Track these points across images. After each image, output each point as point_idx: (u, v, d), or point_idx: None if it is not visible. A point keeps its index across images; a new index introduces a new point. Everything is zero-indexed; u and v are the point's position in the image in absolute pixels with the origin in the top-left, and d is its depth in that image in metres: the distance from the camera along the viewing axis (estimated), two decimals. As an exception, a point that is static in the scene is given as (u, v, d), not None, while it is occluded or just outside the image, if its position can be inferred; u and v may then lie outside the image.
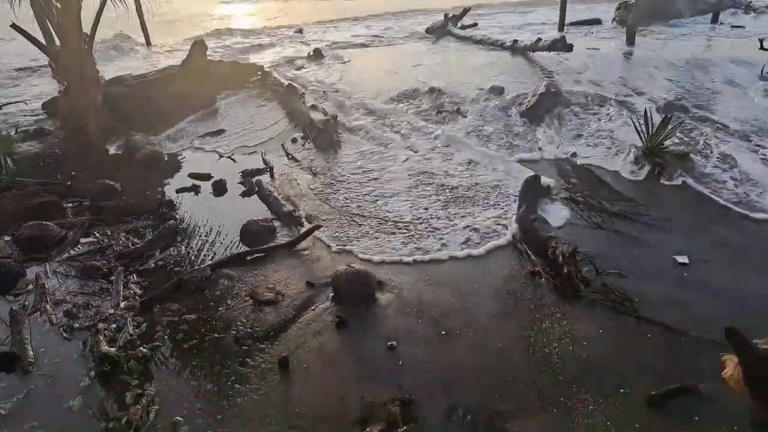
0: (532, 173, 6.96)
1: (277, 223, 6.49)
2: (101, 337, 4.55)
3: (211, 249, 6.05)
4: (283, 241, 6.07)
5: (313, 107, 9.83)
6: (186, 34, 21.32)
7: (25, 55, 16.86)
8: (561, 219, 6.39)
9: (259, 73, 13.17)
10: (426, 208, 6.72)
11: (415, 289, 5.27)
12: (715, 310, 4.84)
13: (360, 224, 6.46)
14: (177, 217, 6.69)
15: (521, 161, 7.95)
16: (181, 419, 3.89)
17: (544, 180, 6.93)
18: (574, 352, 4.42)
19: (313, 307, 5.07)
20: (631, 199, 6.78)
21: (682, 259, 5.56)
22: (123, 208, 6.87)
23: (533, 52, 14.70)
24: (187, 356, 4.51)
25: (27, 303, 5.16)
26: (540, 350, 4.46)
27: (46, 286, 5.35)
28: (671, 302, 4.96)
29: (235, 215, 6.67)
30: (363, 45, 18.50)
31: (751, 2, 19.91)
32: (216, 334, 4.74)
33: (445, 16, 19.85)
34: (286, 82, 11.64)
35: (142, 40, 19.68)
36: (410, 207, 6.77)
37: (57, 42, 9.53)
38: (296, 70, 14.58)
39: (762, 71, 11.38)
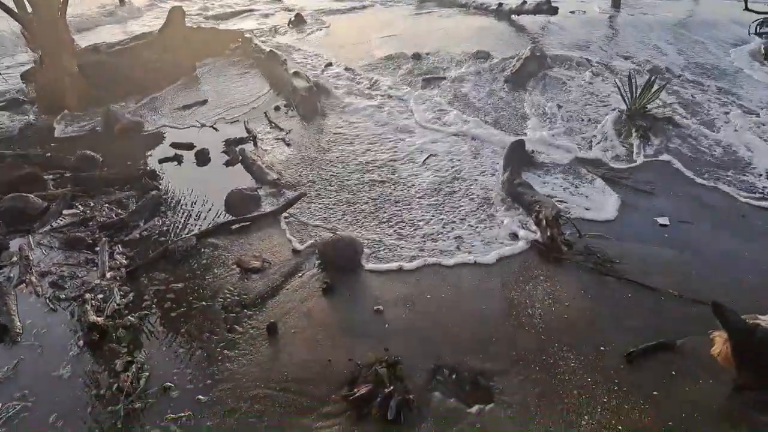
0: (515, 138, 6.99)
1: (262, 192, 6.47)
2: (88, 307, 4.55)
3: (196, 219, 6.03)
4: (269, 210, 6.06)
5: (296, 74, 9.68)
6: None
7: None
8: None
9: (240, 40, 12.90)
10: (411, 174, 6.74)
11: (400, 256, 5.33)
12: (694, 269, 4.98)
13: (343, 185, 6.49)
14: (160, 187, 6.63)
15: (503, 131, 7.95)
16: (171, 385, 3.95)
17: (529, 145, 6.96)
18: (556, 312, 4.53)
19: (300, 275, 5.11)
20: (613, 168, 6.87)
21: (663, 220, 5.67)
22: (105, 178, 6.79)
23: (518, 15, 14.55)
24: (176, 324, 4.54)
25: (12, 275, 5.14)
26: (523, 311, 4.57)
27: (31, 258, 5.31)
28: (652, 262, 5.08)
29: (220, 185, 6.62)
30: (345, 10, 18.14)
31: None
32: (204, 302, 4.77)
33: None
34: (268, 49, 11.43)
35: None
36: (393, 173, 6.78)
37: (29, 9, 9.20)
38: (277, 36, 14.31)
39: (749, 31, 11.40)
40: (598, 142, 7.29)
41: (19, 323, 4.54)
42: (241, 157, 7.32)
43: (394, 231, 5.67)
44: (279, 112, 8.85)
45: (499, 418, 3.64)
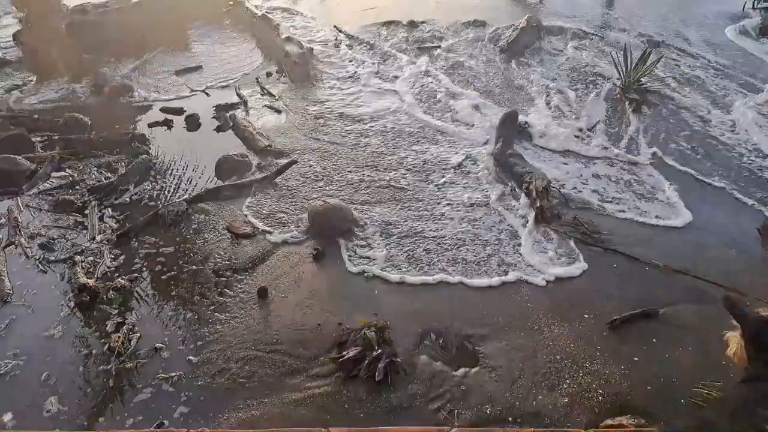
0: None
1: (252, 158, 6.44)
2: (79, 269, 4.57)
3: (186, 183, 6.01)
4: (260, 176, 6.05)
5: (288, 39, 9.52)
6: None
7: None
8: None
9: (231, 2, 12.61)
10: (397, 147, 6.73)
11: (390, 220, 5.36)
12: (678, 241, 5.08)
13: (334, 154, 6.50)
14: (150, 151, 6.57)
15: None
16: (162, 346, 4.01)
17: (522, 117, 6.95)
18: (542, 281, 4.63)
19: (290, 241, 5.14)
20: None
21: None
22: (94, 142, 6.71)
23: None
24: (166, 287, 4.58)
25: (0, 236, 5.12)
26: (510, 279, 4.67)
27: (20, 220, 5.29)
28: (637, 234, 5.17)
29: (211, 150, 6.58)
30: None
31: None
32: (194, 266, 4.80)
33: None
34: (260, 13, 11.20)
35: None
36: (382, 142, 6.77)
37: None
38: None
39: (743, 6, 11.31)
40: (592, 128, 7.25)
41: (9, 284, 4.55)
42: (231, 123, 7.26)
43: (385, 197, 5.71)
44: (271, 78, 8.73)
45: (483, 381, 3.74)
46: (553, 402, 3.58)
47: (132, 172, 6.07)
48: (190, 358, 3.92)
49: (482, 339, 4.06)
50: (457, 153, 6.51)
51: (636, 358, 3.89)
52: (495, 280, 4.63)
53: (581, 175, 6.10)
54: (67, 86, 8.48)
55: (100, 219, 5.37)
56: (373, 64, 9.12)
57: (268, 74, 8.83)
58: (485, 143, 6.67)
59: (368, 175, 6.09)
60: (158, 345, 4.00)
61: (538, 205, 5.35)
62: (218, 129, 7.24)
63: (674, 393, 3.61)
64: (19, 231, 5.15)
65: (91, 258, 4.85)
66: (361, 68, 8.95)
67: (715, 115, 7.24)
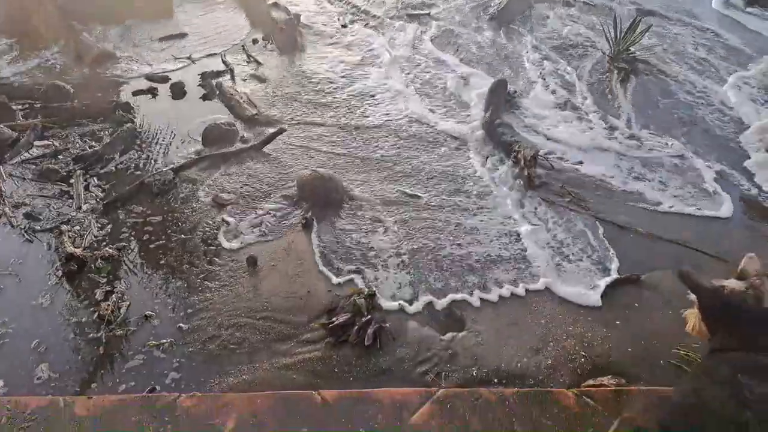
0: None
1: (239, 127, 6.38)
2: (65, 238, 4.55)
3: (172, 152, 5.95)
4: (248, 145, 6.00)
5: (275, 5, 9.34)
6: None
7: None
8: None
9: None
10: (385, 111, 6.70)
11: (379, 189, 5.38)
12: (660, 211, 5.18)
13: (320, 126, 6.46)
14: (134, 120, 6.48)
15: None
16: (152, 313, 4.03)
17: (511, 84, 6.93)
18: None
19: (279, 210, 5.14)
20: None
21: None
22: (77, 110, 6.59)
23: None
24: (155, 255, 4.58)
25: (-16, 206, 5.07)
26: (497, 243, 4.72)
27: (3, 189, 5.23)
28: (623, 202, 5.25)
29: (197, 118, 6.51)
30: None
31: None
32: (183, 235, 4.80)
33: None
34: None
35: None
36: (370, 106, 6.74)
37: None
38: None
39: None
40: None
41: (-6, 253, 4.53)
42: (218, 91, 7.16)
43: (371, 167, 5.71)
44: (257, 45, 8.58)
45: (470, 345, 3.82)
46: (537, 364, 3.68)
47: (117, 141, 5.99)
48: (181, 325, 3.96)
49: (470, 304, 4.14)
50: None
51: (618, 322, 3.99)
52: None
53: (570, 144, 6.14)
54: (49, 53, 8.28)
55: (86, 188, 5.32)
56: (363, 31, 8.99)
57: (255, 41, 8.68)
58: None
59: (355, 145, 6.08)
60: (148, 313, 4.03)
61: (526, 173, 5.39)
62: (204, 97, 7.14)
63: (655, 355, 3.73)
64: (3, 200, 5.10)
65: (78, 227, 4.82)
66: (351, 36, 8.83)
67: (701, 85, 7.26)
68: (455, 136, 6.23)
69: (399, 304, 4.11)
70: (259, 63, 8.01)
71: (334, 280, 4.34)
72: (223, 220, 4.96)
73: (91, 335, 3.86)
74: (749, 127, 6.36)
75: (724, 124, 6.48)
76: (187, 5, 10.11)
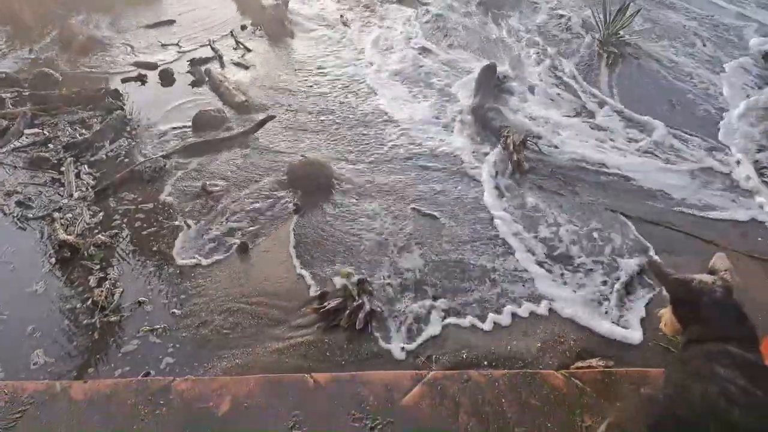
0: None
1: (229, 113, 6.38)
2: (58, 225, 4.57)
3: (162, 139, 5.95)
4: (238, 131, 6.01)
5: (264, -10, 9.27)
6: None
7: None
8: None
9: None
10: (373, 95, 6.72)
11: (368, 177, 5.41)
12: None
13: (310, 113, 6.46)
14: (124, 107, 6.45)
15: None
16: (145, 299, 4.07)
17: (500, 69, 6.95)
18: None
19: (269, 196, 5.17)
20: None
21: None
22: (66, 97, 6.55)
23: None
24: (147, 242, 4.61)
25: (-25, 194, 5.07)
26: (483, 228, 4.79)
27: (-6, 177, 5.23)
28: (608, 184, 5.32)
29: (186, 105, 6.51)
30: None
31: None
32: (174, 222, 4.82)
33: None
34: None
35: None
36: (361, 92, 6.75)
37: None
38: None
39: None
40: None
41: (-13, 241, 4.54)
42: (207, 78, 7.14)
43: (359, 151, 5.75)
44: (246, 31, 8.54)
45: (461, 328, 3.91)
46: (526, 347, 3.76)
47: (107, 128, 5.98)
48: (174, 311, 4.00)
49: (456, 291, 4.21)
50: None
51: (605, 304, 4.09)
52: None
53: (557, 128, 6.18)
54: (36, 42, 8.19)
55: (77, 176, 5.32)
56: (351, 16, 8.96)
57: (243, 27, 8.62)
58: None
59: (343, 130, 6.11)
60: (141, 299, 4.07)
61: (515, 158, 5.44)
62: (193, 84, 7.12)
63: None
64: (-6, 188, 5.10)
65: (70, 215, 4.84)
66: (340, 23, 8.79)
67: (690, 69, 7.31)
68: (442, 124, 6.26)
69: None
70: (247, 49, 7.98)
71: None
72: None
73: (86, 321, 3.90)
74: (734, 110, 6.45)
75: (708, 106, 6.54)
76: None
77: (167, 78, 7.21)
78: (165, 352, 3.70)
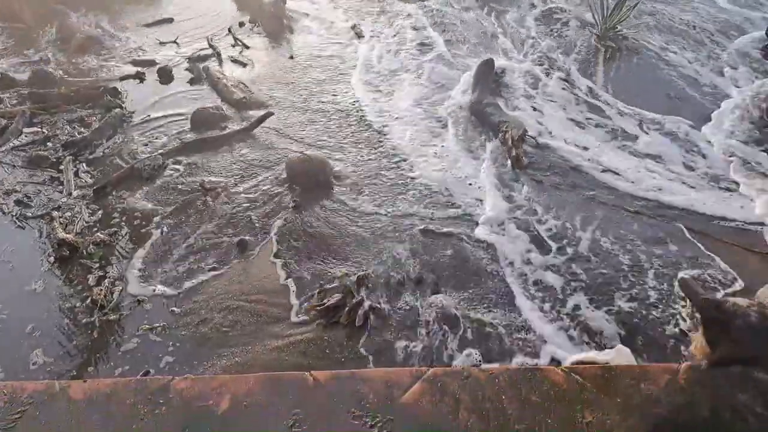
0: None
1: (227, 111, 6.36)
2: (57, 224, 4.56)
3: (161, 137, 5.94)
4: (237, 128, 5.99)
5: (262, -13, 9.23)
6: None
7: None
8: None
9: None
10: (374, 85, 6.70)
11: (367, 171, 5.40)
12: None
13: (308, 109, 6.45)
14: (123, 105, 6.43)
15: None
16: (145, 297, 4.07)
17: (498, 64, 6.91)
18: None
19: (268, 193, 5.15)
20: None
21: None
22: (65, 96, 6.54)
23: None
24: (145, 240, 4.60)
25: (-26, 193, 5.06)
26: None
27: (-7, 176, 5.22)
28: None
29: (184, 102, 6.49)
30: None
31: None
32: (173, 220, 4.81)
33: None
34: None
35: None
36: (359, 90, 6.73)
37: None
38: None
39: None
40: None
41: (-14, 240, 4.54)
42: (205, 75, 7.12)
43: (359, 146, 5.74)
44: (244, 28, 8.51)
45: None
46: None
47: (105, 126, 5.96)
48: (173, 309, 3.99)
49: (455, 285, 4.21)
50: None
51: (605, 300, 4.08)
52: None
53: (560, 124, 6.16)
54: (35, 38, 8.17)
55: (75, 174, 5.31)
56: (348, 12, 8.93)
57: (241, 24, 8.61)
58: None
59: (342, 126, 6.09)
60: (140, 297, 4.06)
61: (513, 153, 5.42)
62: (192, 81, 7.10)
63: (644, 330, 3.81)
64: (-7, 188, 5.09)
65: (69, 213, 4.83)
66: (340, 21, 8.76)
67: (688, 62, 7.27)
68: (438, 118, 6.24)
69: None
70: (246, 46, 7.95)
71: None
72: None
73: (85, 320, 3.90)
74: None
75: (705, 99, 6.52)
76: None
77: (166, 75, 7.19)
78: (164, 351, 3.69)
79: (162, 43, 8.05)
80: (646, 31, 8.05)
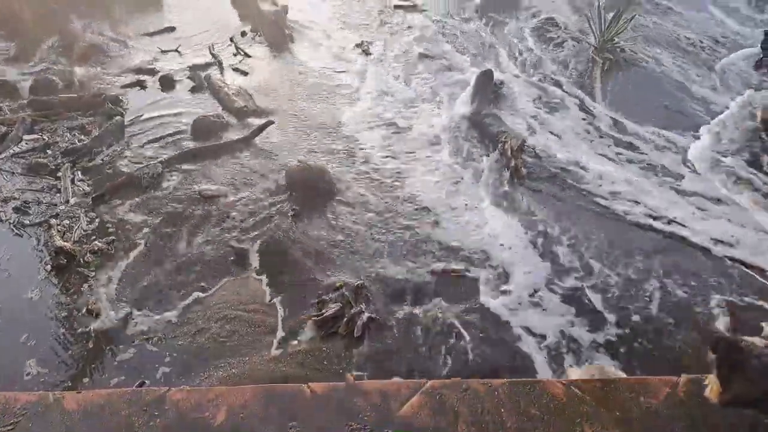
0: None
1: (228, 119, 6.36)
2: (54, 232, 4.54)
3: (161, 145, 5.93)
4: (238, 137, 5.99)
5: (263, -3, 9.28)
6: None
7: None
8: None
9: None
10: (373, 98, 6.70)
11: (365, 183, 5.39)
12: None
13: (308, 118, 6.46)
14: (124, 112, 6.43)
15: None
16: (142, 308, 4.04)
17: (497, 75, 6.93)
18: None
19: (268, 201, 5.14)
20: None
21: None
22: (66, 103, 6.54)
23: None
24: (143, 250, 4.57)
25: (-28, 201, 5.05)
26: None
27: (-9, 184, 5.20)
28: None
29: (186, 111, 6.49)
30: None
31: None
32: (171, 229, 4.79)
33: None
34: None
35: None
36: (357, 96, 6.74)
37: None
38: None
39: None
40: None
41: (-17, 248, 4.52)
42: (206, 84, 7.13)
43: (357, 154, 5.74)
44: (246, 38, 8.53)
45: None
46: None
47: (106, 134, 5.96)
48: (171, 319, 3.96)
49: (448, 299, 4.19)
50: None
51: (605, 312, 4.05)
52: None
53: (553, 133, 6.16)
54: (37, 46, 8.18)
55: (73, 182, 5.29)
56: (348, 23, 8.97)
57: (243, 33, 8.63)
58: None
59: (339, 135, 6.09)
60: (137, 309, 4.03)
61: (513, 163, 5.42)
62: (193, 89, 7.11)
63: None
64: (-8, 195, 5.08)
65: (67, 221, 4.81)
66: (339, 31, 8.79)
67: (685, 74, 7.29)
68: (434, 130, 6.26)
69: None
70: (247, 55, 7.97)
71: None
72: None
73: (80, 330, 3.86)
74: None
75: (699, 109, 6.54)
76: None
77: (167, 84, 7.20)
78: (161, 362, 3.66)
79: (164, 52, 8.07)
80: (644, 44, 8.07)
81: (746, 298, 4.09)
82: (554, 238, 4.67)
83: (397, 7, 9.45)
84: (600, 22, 7.83)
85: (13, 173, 5.45)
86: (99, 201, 5.04)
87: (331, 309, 3.95)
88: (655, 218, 4.89)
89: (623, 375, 3.53)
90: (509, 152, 5.47)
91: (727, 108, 6.51)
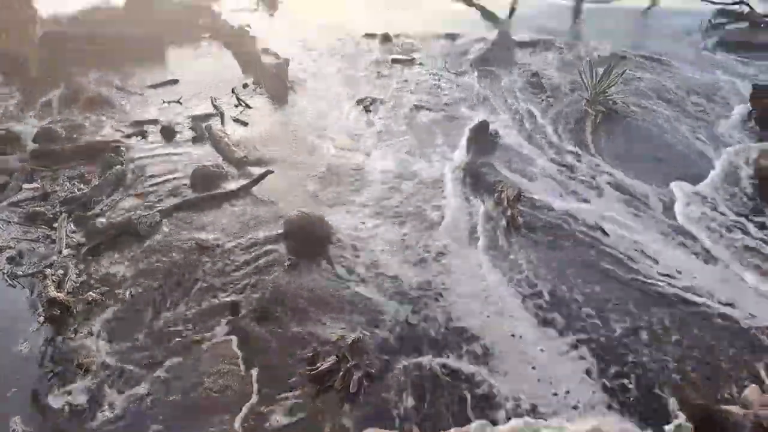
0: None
1: (228, 169, 6.44)
2: (49, 282, 4.50)
3: (160, 194, 5.97)
4: (236, 186, 6.05)
5: (265, 51, 9.57)
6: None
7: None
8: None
9: (208, 18, 12.55)
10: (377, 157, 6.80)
11: (365, 233, 5.40)
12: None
13: (307, 168, 6.54)
14: (123, 162, 6.51)
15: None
16: (130, 364, 3.97)
17: (492, 126, 7.07)
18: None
19: (265, 251, 5.12)
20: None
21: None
22: (68, 152, 6.64)
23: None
24: (137, 301, 4.53)
25: (-32, 250, 5.03)
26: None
27: (-13, 233, 5.21)
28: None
29: (186, 160, 6.58)
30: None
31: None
32: (167, 279, 4.76)
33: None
34: (236, 25, 11.23)
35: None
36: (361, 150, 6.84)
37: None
38: (247, 13, 13.95)
39: (702, 24, 11.64)
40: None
41: (-25, 298, 4.47)
42: (207, 134, 7.25)
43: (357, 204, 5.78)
44: (247, 89, 8.74)
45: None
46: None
47: (105, 183, 6.01)
48: (159, 374, 3.88)
49: (447, 346, 4.13)
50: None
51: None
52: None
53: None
54: (42, 96, 8.37)
55: (69, 232, 5.29)
56: (348, 77, 9.20)
57: (245, 85, 8.84)
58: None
59: (340, 186, 6.16)
60: (127, 364, 3.96)
61: (509, 213, 5.45)
62: (194, 140, 7.22)
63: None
64: (-13, 245, 5.07)
65: (62, 271, 4.77)
66: (339, 85, 9.01)
67: (676, 127, 7.43)
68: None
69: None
70: (248, 106, 8.14)
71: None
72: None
73: (69, 386, 3.78)
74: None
75: (693, 161, 6.62)
76: (178, 50, 10.33)
77: (168, 134, 7.32)
78: (152, 419, 3.56)
79: (167, 103, 8.24)
80: (636, 96, 8.26)
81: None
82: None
83: (395, 61, 9.73)
84: (592, 75, 8.04)
85: (9, 222, 5.46)
86: (95, 251, 5.03)
87: (327, 363, 3.88)
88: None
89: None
90: (506, 201, 5.51)
91: (717, 160, 6.58)
